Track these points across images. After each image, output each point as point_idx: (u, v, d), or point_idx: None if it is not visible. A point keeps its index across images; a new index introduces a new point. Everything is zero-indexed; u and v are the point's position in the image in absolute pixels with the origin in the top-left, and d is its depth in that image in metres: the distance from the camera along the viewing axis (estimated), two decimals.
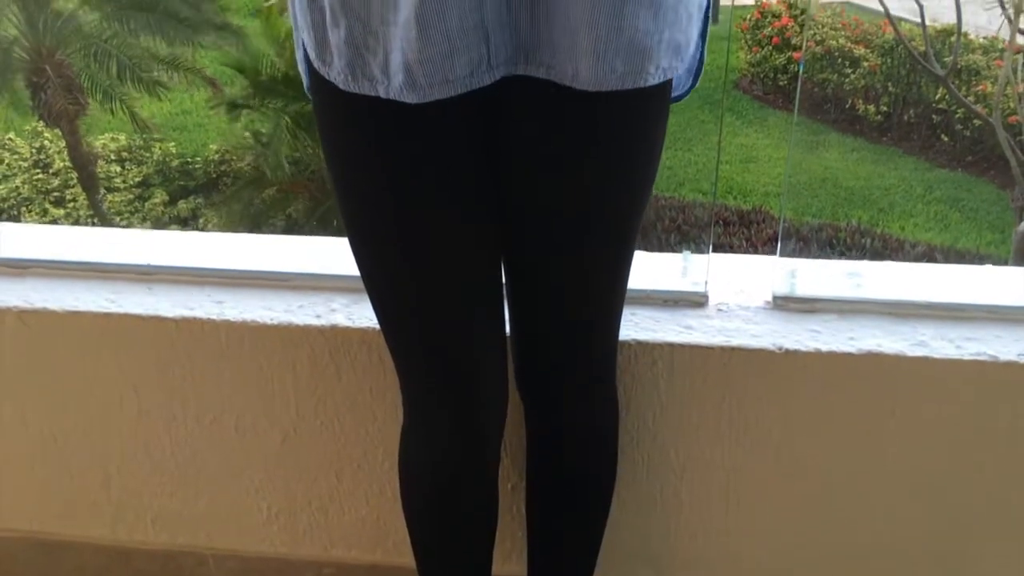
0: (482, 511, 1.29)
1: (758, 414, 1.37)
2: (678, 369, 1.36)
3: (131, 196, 7.96)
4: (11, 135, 8.29)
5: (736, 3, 8.86)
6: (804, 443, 1.38)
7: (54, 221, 7.74)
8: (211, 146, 8.52)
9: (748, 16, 8.73)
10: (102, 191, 7.84)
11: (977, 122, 7.17)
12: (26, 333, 1.47)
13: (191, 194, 7.95)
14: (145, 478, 1.56)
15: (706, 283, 1.42)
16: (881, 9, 5.94)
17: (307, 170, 7.07)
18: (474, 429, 1.21)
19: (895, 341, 1.31)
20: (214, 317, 1.43)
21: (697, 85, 1.13)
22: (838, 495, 1.41)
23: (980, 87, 7.36)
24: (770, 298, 1.41)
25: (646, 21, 0.93)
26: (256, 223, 7.38)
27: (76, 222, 7.76)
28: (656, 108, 1.05)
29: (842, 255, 6.64)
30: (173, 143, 8.57)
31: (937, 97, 7.57)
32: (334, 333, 1.41)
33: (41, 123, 7.99)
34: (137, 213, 7.84)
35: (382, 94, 0.97)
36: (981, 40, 7.61)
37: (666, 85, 1.04)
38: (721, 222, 7.23)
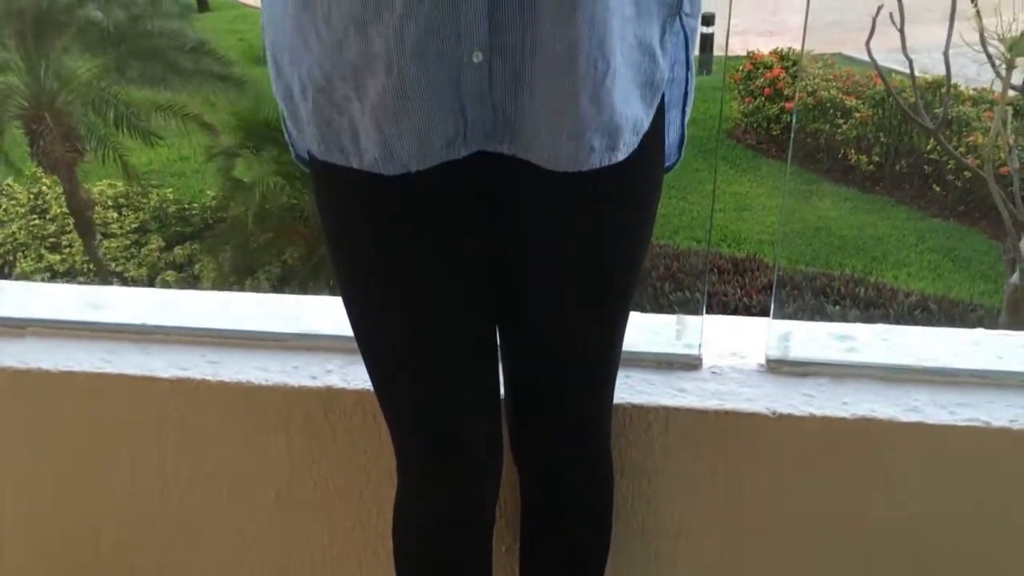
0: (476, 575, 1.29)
1: (752, 478, 1.37)
2: (672, 432, 1.36)
3: (127, 242, 7.96)
4: (10, 181, 8.32)
5: (729, 54, 8.98)
6: (798, 507, 1.38)
7: (50, 267, 7.75)
8: (208, 192, 8.55)
9: (741, 67, 8.83)
10: (99, 237, 7.85)
11: (968, 173, 7.23)
12: (21, 393, 1.47)
13: (187, 240, 7.96)
14: (137, 538, 1.55)
15: (700, 345, 1.43)
16: (872, 61, 6.01)
17: (302, 216, 7.10)
18: (468, 497, 1.21)
19: (888, 406, 1.31)
20: (209, 378, 1.43)
21: (682, 157, 1.15)
22: (832, 559, 1.41)
23: (971, 138, 7.44)
24: (764, 361, 1.42)
25: (619, 100, 0.95)
26: (251, 269, 7.39)
27: (72, 268, 7.76)
28: (648, 178, 1.07)
29: (836, 304, 6.65)
30: (171, 189, 8.61)
31: (929, 148, 7.64)
32: (329, 394, 1.41)
33: (39, 169, 8.03)
34: (133, 259, 7.84)
35: (355, 165, 0.98)
36: (971, 92, 7.71)
37: (659, 156, 1.06)
38: (716, 270, 7.25)
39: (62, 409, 1.48)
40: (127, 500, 1.52)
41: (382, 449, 1.42)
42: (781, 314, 1.39)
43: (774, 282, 5.22)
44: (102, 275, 7.72)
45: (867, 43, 5.29)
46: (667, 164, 1.11)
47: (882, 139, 8.18)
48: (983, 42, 5.25)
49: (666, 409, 1.35)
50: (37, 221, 8.15)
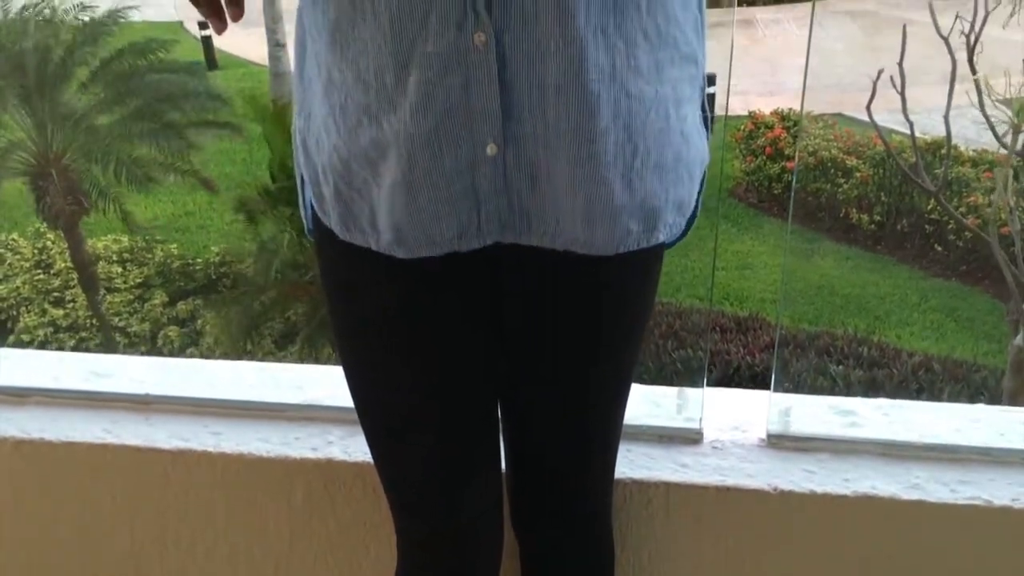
0: None
1: (754, 554, 1.36)
2: (673, 508, 1.36)
3: (131, 297, 7.99)
4: (15, 235, 8.38)
5: (730, 114, 9.08)
6: None
7: (53, 321, 7.77)
8: (212, 248, 8.61)
9: (742, 126, 8.92)
10: (102, 292, 7.88)
11: (969, 233, 7.27)
12: (22, 463, 1.47)
13: (191, 295, 7.99)
14: None
15: (701, 419, 1.43)
16: (872, 123, 6.07)
17: (307, 274, 7.13)
18: (469, 570, 1.21)
19: (889, 483, 1.31)
20: (210, 449, 1.44)
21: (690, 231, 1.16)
22: None
23: (971, 198, 7.48)
24: (764, 435, 1.42)
25: (653, 182, 0.96)
26: (255, 325, 7.41)
27: (74, 323, 7.79)
28: (654, 258, 1.08)
29: (839, 364, 6.64)
30: (175, 244, 8.66)
31: (930, 207, 7.69)
32: (330, 467, 1.41)
33: (44, 224, 8.09)
34: (136, 314, 7.86)
35: (373, 247, 1.00)
36: (971, 153, 7.77)
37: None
38: (718, 328, 7.25)
39: (64, 480, 1.48)
40: (128, 570, 1.51)
41: (382, 522, 1.41)
42: (783, 384, 1.40)
43: (776, 342, 5.21)
44: (104, 330, 7.73)
45: (868, 106, 5.36)
46: (673, 238, 1.13)
47: (883, 199, 8.23)
48: (982, 106, 5.31)
49: (667, 484, 1.35)
50: (41, 276, 8.19)
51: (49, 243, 8.36)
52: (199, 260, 8.46)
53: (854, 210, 8.23)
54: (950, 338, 7.24)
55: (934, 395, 6.00)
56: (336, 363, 1.25)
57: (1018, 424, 1.39)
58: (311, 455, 1.42)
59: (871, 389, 6.14)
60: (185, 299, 8.02)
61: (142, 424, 1.48)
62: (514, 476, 1.22)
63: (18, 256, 8.33)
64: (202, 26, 10.53)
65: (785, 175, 8.56)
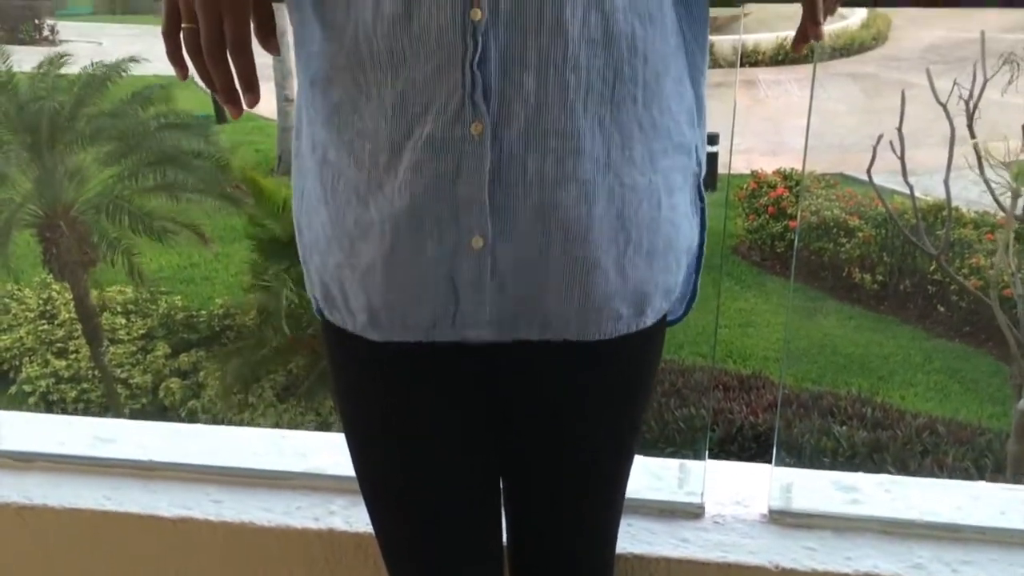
0: None
1: None
2: None
3: (134, 348, 8.00)
4: (20, 286, 8.41)
5: (732, 172, 9.14)
6: None
7: (55, 372, 7.78)
8: (216, 300, 8.63)
9: (745, 185, 8.98)
10: (105, 343, 7.90)
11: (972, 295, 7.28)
12: (24, 529, 1.47)
13: (194, 347, 8.00)
14: None
15: (702, 493, 1.43)
16: (873, 187, 6.12)
17: (308, 327, 7.14)
18: None
19: (891, 563, 1.31)
20: (211, 518, 1.44)
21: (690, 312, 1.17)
22: None
23: (973, 260, 7.51)
24: (766, 510, 1.42)
25: (644, 269, 0.98)
26: (256, 377, 7.41)
27: (76, 374, 7.79)
28: (655, 339, 1.09)
29: (843, 424, 6.61)
30: (179, 296, 8.69)
31: (932, 268, 7.72)
32: (331, 537, 1.42)
33: (50, 275, 8.14)
34: (138, 365, 7.87)
35: (349, 328, 1.00)
36: (972, 214, 7.81)
37: (663, 320, 1.08)
38: (721, 387, 7.23)
39: (66, 546, 1.48)
40: None
41: None
42: (784, 459, 1.40)
43: (778, 402, 5.17)
44: (106, 381, 7.73)
45: (868, 170, 5.40)
46: (673, 319, 1.14)
47: (885, 259, 8.25)
48: (981, 171, 5.35)
49: (668, 560, 1.35)
50: (46, 326, 8.20)
51: (54, 293, 8.39)
52: (203, 312, 8.48)
53: (857, 270, 8.25)
54: (954, 400, 7.21)
55: (938, 458, 5.96)
56: (339, 429, 1.26)
57: (1018, 503, 1.39)
58: (313, 525, 1.42)
59: (875, 451, 6.10)
60: (188, 351, 8.03)
61: (144, 491, 1.49)
62: (514, 554, 1.22)
63: (23, 306, 8.35)
64: None
65: (788, 234, 8.59)
